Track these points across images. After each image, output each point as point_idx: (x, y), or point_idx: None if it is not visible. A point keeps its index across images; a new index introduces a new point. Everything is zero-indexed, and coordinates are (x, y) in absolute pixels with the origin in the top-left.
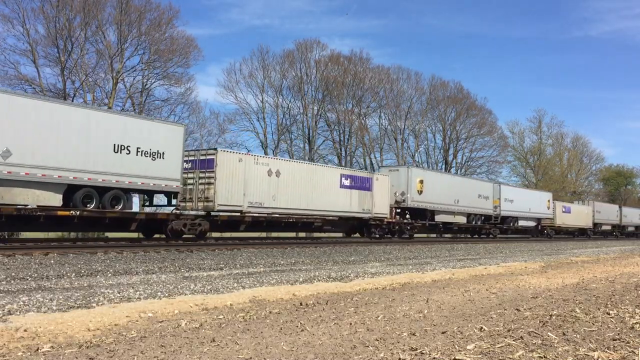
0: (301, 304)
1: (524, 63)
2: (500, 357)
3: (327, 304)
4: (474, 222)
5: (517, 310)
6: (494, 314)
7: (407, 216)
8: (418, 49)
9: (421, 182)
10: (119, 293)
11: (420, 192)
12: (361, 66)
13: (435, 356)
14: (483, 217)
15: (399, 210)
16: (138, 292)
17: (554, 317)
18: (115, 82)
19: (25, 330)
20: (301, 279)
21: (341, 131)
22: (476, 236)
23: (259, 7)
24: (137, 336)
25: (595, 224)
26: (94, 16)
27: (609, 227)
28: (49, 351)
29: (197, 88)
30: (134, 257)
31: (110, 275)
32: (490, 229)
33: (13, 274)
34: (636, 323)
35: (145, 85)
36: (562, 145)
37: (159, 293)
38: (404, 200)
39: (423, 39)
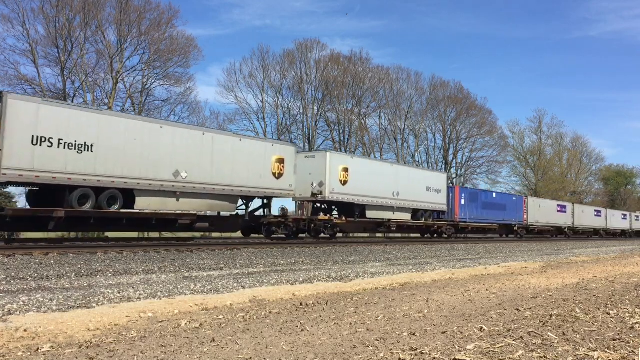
0: (301, 304)
1: (524, 63)
2: (500, 357)
3: (327, 304)
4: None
5: (517, 310)
6: (494, 314)
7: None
8: (418, 49)
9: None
10: (119, 293)
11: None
12: (361, 66)
13: (435, 356)
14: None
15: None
16: (138, 292)
17: (554, 317)
18: (115, 82)
19: (25, 330)
20: (301, 279)
21: (341, 131)
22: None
23: (261, 8)
24: (137, 336)
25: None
26: (93, 16)
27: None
28: (49, 351)
29: (198, 88)
30: (134, 257)
31: (110, 275)
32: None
33: (13, 274)
34: (636, 323)
35: (145, 85)
36: (562, 145)
37: (159, 293)
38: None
39: (423, 39)
